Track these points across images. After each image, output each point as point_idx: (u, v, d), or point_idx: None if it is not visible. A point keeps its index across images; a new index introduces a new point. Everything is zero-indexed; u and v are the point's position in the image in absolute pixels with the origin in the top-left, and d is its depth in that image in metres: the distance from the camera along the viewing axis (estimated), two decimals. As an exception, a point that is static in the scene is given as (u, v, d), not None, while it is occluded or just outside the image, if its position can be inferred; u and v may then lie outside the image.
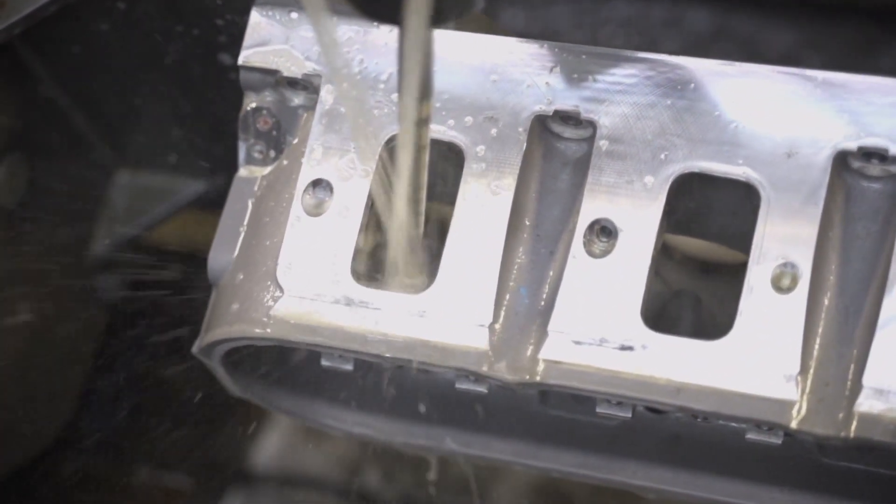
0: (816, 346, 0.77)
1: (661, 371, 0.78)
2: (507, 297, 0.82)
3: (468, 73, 0.86)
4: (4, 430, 1.15)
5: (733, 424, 0.86)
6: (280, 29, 0.90)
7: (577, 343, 0.80)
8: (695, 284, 0.93)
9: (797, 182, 0.78)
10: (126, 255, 1.21)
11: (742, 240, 0.80)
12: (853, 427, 0.75)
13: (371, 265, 0.86)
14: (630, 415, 0.85)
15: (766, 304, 0.77)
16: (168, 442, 1.17)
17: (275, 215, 0.88)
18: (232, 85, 0.93)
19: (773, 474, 0.88)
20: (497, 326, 0.82)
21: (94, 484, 1.22)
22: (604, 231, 0.81)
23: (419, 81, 0.73)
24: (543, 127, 0.84)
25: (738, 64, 0.82)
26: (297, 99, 0.90)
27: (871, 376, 0.75)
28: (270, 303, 0.85)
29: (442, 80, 0.85)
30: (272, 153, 0.91)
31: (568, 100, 0.83)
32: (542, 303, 0.82)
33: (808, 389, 0.76)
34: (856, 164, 0.79)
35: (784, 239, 0.78)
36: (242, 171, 0.92)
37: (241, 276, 0.87)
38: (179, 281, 1.06)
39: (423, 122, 0.76)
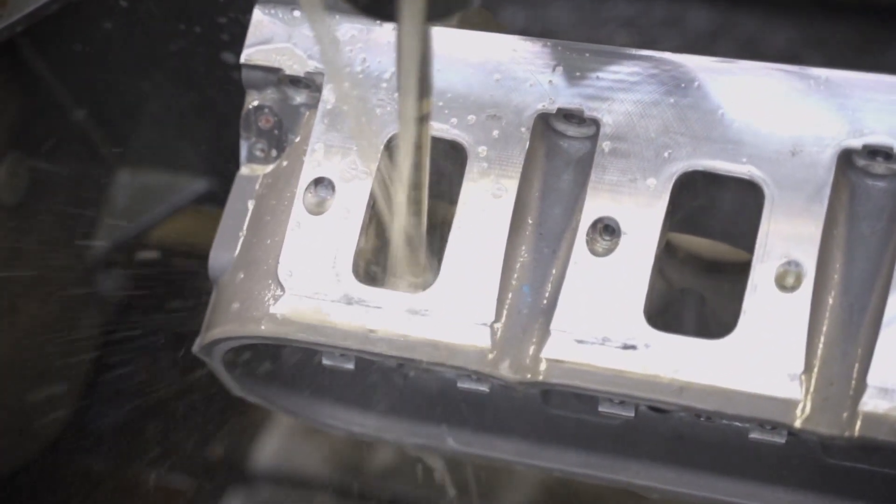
0: (821, 345, 0.77)
1: (664, 370, 0.78)
2: (510, 295, 0.82)
3: (471, 71, 0.85)
4: (4, 429, 1.15)
5: (737, 424, 0.86)
6: (282, 27, 0.89)
7: (580, 342, 0.80)
8: (698, 283, 0.93)
9: (801, 180, 0.78)
10: (127, 254, 1.21)
11: (746, 238, 0.80)
12: (858, 426, 0.74)
13: (373, 264, 0.86)
14: (633, 414, 0.85)
15: (770, 302, 0.77)
16: (168, 441, 1.17)
17: (276, 214, 0.87)
18: (234, 83, 0.93)
19: (776, 474, 0.88)
20: (499, 325, 0.81)
21: (94, 483, 1.22)
22: (607, 229, 0.81)
23: (417, 78, 0.73)
24: (546, 125, 0.84)
25: (742, 62, 0.81)
26: (300, 97, 0.90)
27: (876, 375, 0.75)
28: (271, 302, 0.85)
29: (445, 78, 0.85)
30: (274, 152, 0.91)
31: (571, 98, 0.83)
32: (545, 301, 0.82)
33: (812, 389, 0.76)
34: (860, 162, 0.79)
35: (788, 237, 0.78)
36: (244, 170, 0.91)
37: (242, 275, 0.87)
38: (180, 280, 1.05)
39: (423, 120, 0.76)
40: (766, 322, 0.77)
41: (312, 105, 0.90)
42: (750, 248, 0.79)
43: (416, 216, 0.81)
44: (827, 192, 0.78)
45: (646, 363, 0.78)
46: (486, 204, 0.83)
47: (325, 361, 0.91)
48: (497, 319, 0.81)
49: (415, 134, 0.76)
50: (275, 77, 0.89)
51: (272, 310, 0.84)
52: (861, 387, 0.75)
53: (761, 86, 0.80)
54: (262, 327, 0.84)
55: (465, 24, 0.88)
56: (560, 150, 0.85)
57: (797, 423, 0.75)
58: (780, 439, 0.82)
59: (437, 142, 0.84)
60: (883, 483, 0.86)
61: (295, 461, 1.28)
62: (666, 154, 0.81)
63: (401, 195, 0.80)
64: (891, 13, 0.90)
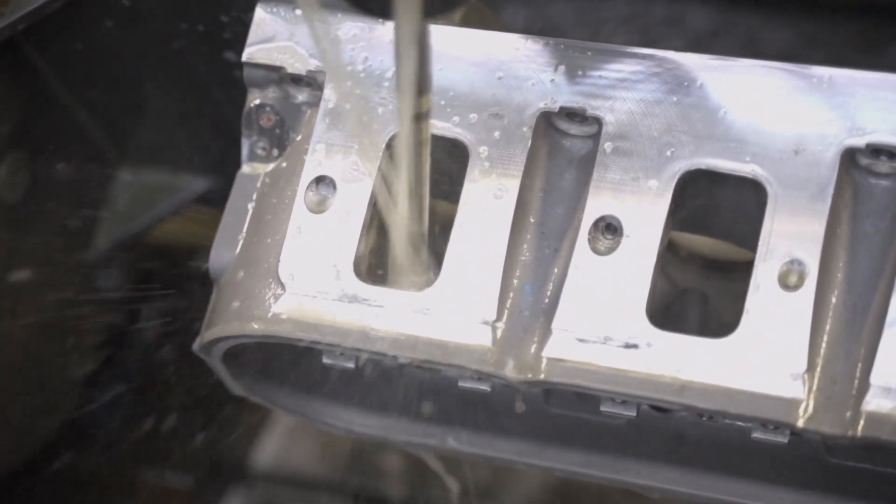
0: (824, 344, 0.77)
1: (666, 369, 0.78)
2: (511, 294, 0.82)
3: (473, 69, 0.85)
4: (4, 428, 1.14)
5: (739, 424, 0.85)
6: (284, 25, 0.89)
7: (582, 341, 0.79)
8: (701, 282, 0.92)
9: (805, 179, 0.78)
10: (128, 253, 1.21)
11: (748, 237, 0.80)
12: (861, 426, 0.74)
13: (374, 262, 0.86)
14: (635, 414, 0.84)
15: (773, 301, 0.77)
16: (168, 441, 1.17)
17: (277, 212, 0.87)
18: (236, 82, 0.93)
19: (779, 474, 0.88)
20: (501, 324, 0.81)
21: (94, 483, 1.22)
22: (609, 228, 0.81)
23: (415, 75, 0.73)
24: (549, 124, 0.84)
25: (744, 60, 0.81)
26: (301, 96, 0.90)
27: (880, 374, 0.75)
28: (272, 300, 0.85)
29: (447, 76, 0.85)
30: (275, 151, 0.91)
31: (573, 96, 0.83)
32: (547, 300, 0.81)
33: (815, 388, 0.76)
34: (864, 160, 0.79)
35: (791, 236, 0.77)
36: (245, 168, 0.91)
37: (242, 274, 0.86)
38: (181, 279, 1.05)
39: (422, 117, 0.76)
40: (769, 321, 0.77)
41: (314, 103, 0.89)
42: (753, 247, 0.79)
43: (418, 214, 0.81)
44: (830, 190, 0.77)
45: (648, 362, 0.78)
46: (487, 203, 0.83)
47: (326, 360, 0.91)
48: (498, 318, 0.81)
49: (414, 131, 0.76)
50: (276, 75, 0.89)
51: (273, 308, 0.84)
52: (864, 386, 0.75)
53: (764, 84, 0.80)
54: (263, 326, 0.84)
55: (467, 23, 0.88)
56: (562, 149, 0.84)
57: (800, 423, 0.75)
58: (783, 439, 0.82)
59: (439, 140, 0.84)
60: (886, 483, 0.86)
61: (295, 461, 1.28)
62: (669, 153, 0.81)
63: (402, 193, 0.80)
64: (891, 13, 0.90)
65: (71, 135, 1.15)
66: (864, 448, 0.84)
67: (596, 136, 0.83)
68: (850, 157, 0.79)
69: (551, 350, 0.80)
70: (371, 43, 0.87)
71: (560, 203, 0.83)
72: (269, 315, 0.84)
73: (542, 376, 0.80)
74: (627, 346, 0.78)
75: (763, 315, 0.77)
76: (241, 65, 0.90)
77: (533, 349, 0.80)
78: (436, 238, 0.85)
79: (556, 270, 0.82)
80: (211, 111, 1.13)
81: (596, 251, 0.80)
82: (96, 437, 1.20)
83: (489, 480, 1.20)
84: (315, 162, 0.86)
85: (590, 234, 0.81)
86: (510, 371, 0.80)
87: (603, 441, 0.91)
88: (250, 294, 0.86)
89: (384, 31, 0.87)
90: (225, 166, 0.97)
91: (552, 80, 0.83)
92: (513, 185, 0.83)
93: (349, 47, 0.87)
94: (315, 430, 0.99)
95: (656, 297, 0.80)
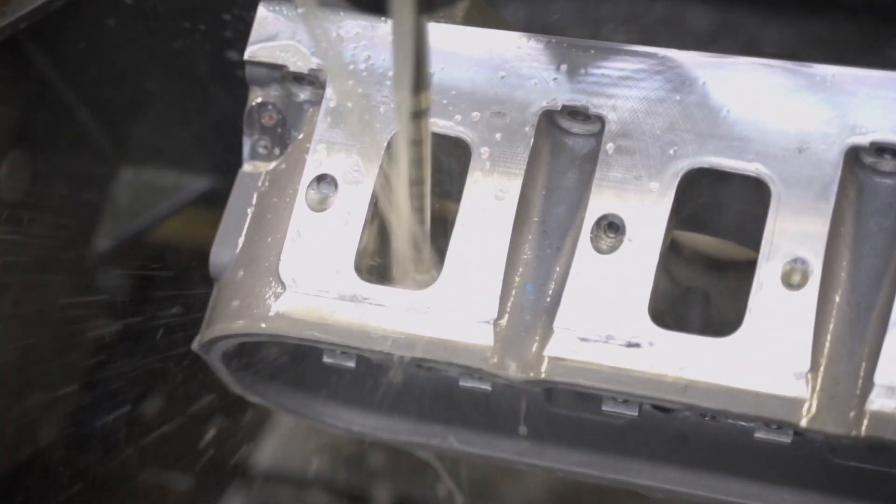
0: (827, 344, 0.76)
1: (668, 368, 0.77)
2: (513, 293, 0.82)
3: (475, 68, 0.85)
4: (4, 429, 1.14)
5: (742, 424, 0.85)
6: (287, 24, 0.89)
7: (584, 340, 0.79)
8: (704, 282, 0.92)
9: (808, 177, 0.78)
10: (129, 252, 1.20)
11: (752, 236, 0.79)
12: (864, 425, 0.74)
13: (375, 261, 0.86)
14: (637, 413, 0.84)
15: (776, 300, 0.76)
16: (168, 440, 1.17)
17: (278, 211, 0.87)
18: (238, 81, 0.93)
19: (781, 474, 0.87)
20: (502, 323, 0.81)
21: (94, 482, 1.21)
22: (611, 227, 0.81)
23: (412, 71, 0.72)
24: (551, 122, 0.84)
25: (748, 59, 0.81)
26: (303, 94, 0.90)
27: (883, 374, 0.74)
28: (272, 299, 0.84)
29: (449, 75, 0.85)
30: (277, 150, 0.91)
31: (576, 95, 0.82)
32: (548, 299, 0.81)
33: (818, 387, 0.75)
34: (868, 159, 0.79)
35: (795, 235, 0.77)
36: (247, 167, 0.91)
37: (242, 273, 0.86)
38: (181, 278, 1.05)
39: (421, 114, 0.75)
40: (772, 320, 0.76)
41: (316, 102, 0.89)
42: (756, 246, 0.78)
43: (419, 212, 0.81)
44: (834, 189, 0.77)
45: (650, 361, 0.77)
46: (489, 201, 0.82)
47: (326, 359, 0.91)
48: (500, 317, 0.81)
49: (413, 129, 0.76)
50: (278, 74, 0.89)
51: (273, 307, 0.84)
52: (868, 385, 0.75)
53: (768, 83, 0.80)
54: (263, 325, 0.84)
55: (469, 21, 0.88)
56: (565, 148, 0.84)
57: (803, 423, 0.75)
58: (786, 439, 0.82)
59: (441, 139, 0.84)
60: (889, 483, 0.85)
61: (295, 461, 1.28)
62: (671, 151, 0.80)
63: (403, 191, 0.80)
64: (891, 12, 0.90)
65: (72, 134, 1.15)
66: (868, 448, 0.84)
67: (598, 135, 0.82)
68: (853, 156, 0.78)
69: (553, 349, 0.79)
70: (373, 42, 0.87)
71: (562, 201, 0.83)
72: (270, 314, 0.84)
73: (543, 375, 0.79)
74: (629, 345, 0.78)
75: (766, 314, 0.76)
76: (242, 64, 0.90)
77: (534, 348, 0.80)
78: (438, 237, 0.85)
79: (557, 269, 0.82)
80: (213, 110, 1.13)
81: (598, 250, 0.80)
82: (96, 437, 1.20)
83: (490, 480, 1.20)
84: (316, 160, 0.86)
85: (592, 232, 0.80)
86: (511, 370, 0.80)
87: (605, 441, 0.91)
88: (250, 293, 0.85)
89: (386, 29, 0.87)
90: (226, 166, 0.96)
91: (555, 79, 0.83)
92: (515, 184, 0.82)
93: (351, 46, 0.87)
94: (315, 430, 0.98)
95: (659, 296, 0.80)
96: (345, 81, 0.86)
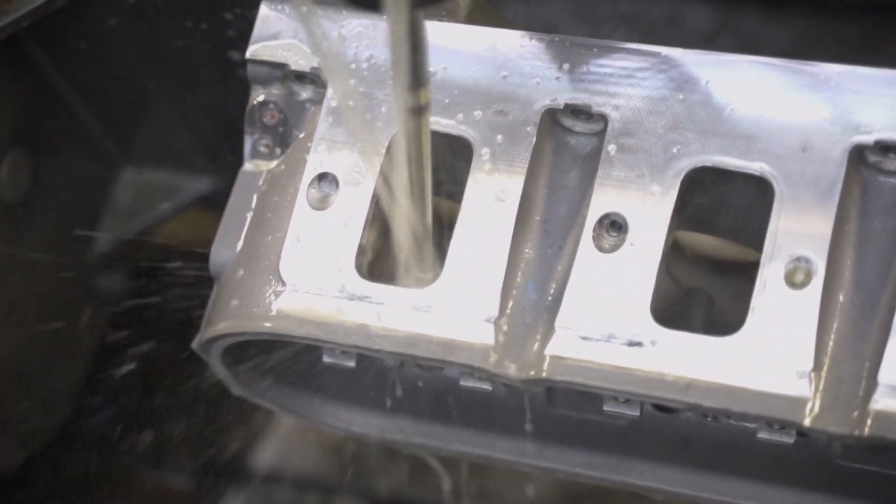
0: (831, 343, 0.76)
1: (670, 367, 0.77)
2: (514, 292, 0.81)
3: (478, 66, 0.85)
4: (3, 428, 1.14)
5: (744, 425, 0.85)
6: (289, 22, 0.89)
7: (585, 339, 0.79)
8: (706, 283, 0.92)
9: (812, 176, 0.77)
10: (129, 253, 1.20)
11: (755, 236, 0.79)
12: (868, 425, 0.73)
13: (376, 260, 0.85)
14: (638, 413, 0.84)
15: (779, 299, 0.76)
16: (168, 441, 1.16)
17: (279, 210, 0.87)
18: (240, 82, 0.93)
19: (784, 476, 0.87)
20: (503, 322, 0.80)
21: (94, 483, 1.21)
22: (613, 225, 0.80)
23: (409, 68, 0.72)
24: (554, 121, 0.83)
25: (751, 57, 0.80)
26: (305, 93, 0.90)
27: (887, 373, 0.74)
28: (272, 297, 0.84)
29: (451, 74, 0.85)
30: (278, 150, 0.91)
31: (578, 94, 0.82)
32: (550, 298, 0.81)
33: (821, 387, 0.75)
34: (872, 158, 0.78)
35: (798, 234, 0.77)
36: (248, 166, 0.91)
37: (242, 272, 0.86)
38: (182, 279, 1.05)
39: (420, 111, 0.75)
40: (775, 319, 0.76)
41: (318, 101, 0.89)
42: (759, 247, 0.78)
43: (421, 210, 0.81)
44: (838, 188, 0.77)
45: (652, 360, 0.77)
46: (490, 200, 0.82)
47: (326, 359, 0.90)
48: (501, 316, 0.80)
49: (413, 125, 0.76)
50: (280, 72, 0.89)
51: (273, 306, 0.84)
52: (872, 385, 0.74)
53: (771, 81, 0.80)
54: (262, 323, 0.84)
55: (472, 20, 0.87)
56: (567, 147, 0.84)
57: (806, 422, 0.74)
58: (789, 439, 0.81)
59: (443, 137, 0.84)
60: (892, 485, 0.85)
61: (295, 461, 1.28)
62: (675, 150, 0.80)
63: (403, 189, 0.79)
64: (891, 11, 0.89)
65: (73, 134, 1.15)
66: (871, 450, 0.84)
67: (601, 134, 0.82)
68: (858, 155, 0.78)
69: (554, 348, 0.79)
70: (375, 40, 0.87)
71: (564, 200, 0.83)
72: (269, 312, 0.83)
73: (544, 374, 0.79)
74: (631, 343, 0.78)
75: (769, 313, 0.76)
76: (244, 64, 0.90)
77: (536, 347, 0.80)
78: (439, 236, 0.84)
79: (559, 268, 0.81)
80: (214, 111, 1.13)
81: (600, 248, 0.80)
82: (96, 439, 1.19)
83: (490, 480, 1.20)
84: (318, 159, 0.86)
85: (594, 231, 0.80)
86: (512, 369, 0.79)
87: (606, 442, 0.91)
88: (250, 292, 0.85)
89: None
90: (228, 167, 0.96)
91: (557, 78, 0.83)
92: (517, 183, 0.82)
93: (353, 45, 0.87)
94: (315, 431, 0.98)
95: (661, 296, 0.80)
96: (345, 81, 0.85)
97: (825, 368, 0.75)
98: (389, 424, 0.95)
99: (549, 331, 0.79)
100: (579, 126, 0.83)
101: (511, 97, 0.83)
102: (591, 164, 0.82)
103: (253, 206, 0.88)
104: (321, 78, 0.88)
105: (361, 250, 0.84)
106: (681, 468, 0.89)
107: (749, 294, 0.77)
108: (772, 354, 0.76)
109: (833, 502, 0.86)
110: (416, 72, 0.72)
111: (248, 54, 0.90)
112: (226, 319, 0.85)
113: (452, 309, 0.81)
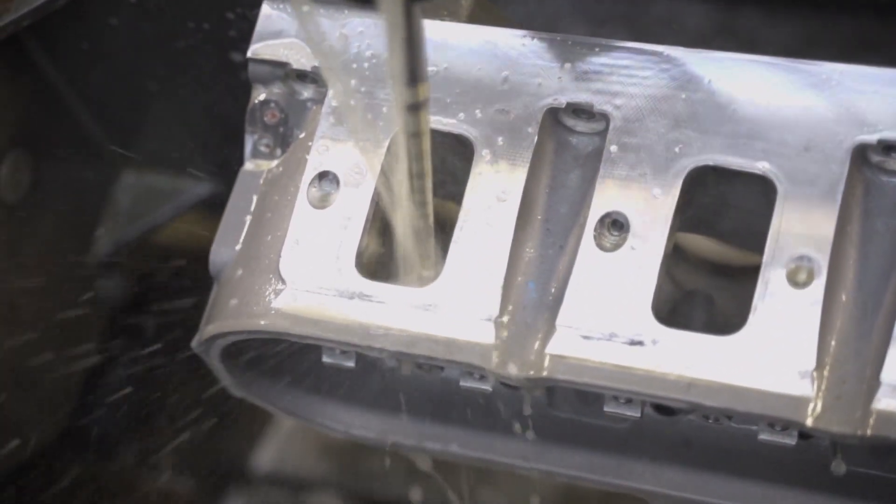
0: (833, 342, 0.75)
1: (671, 366, 0.76)
2: (515, 291, 0.81)
3: (479, 66, 0.85)
4: (3, 430, 1.13)
5: (746, 427, 0.84)
6: (290, 21, 0.89)
7: (586, 338, 0.78)
8: (707, 286, 0.91)
9: (815, 175, 0.77)
10: (130, 256, 1.20)
11: (757, 235, 0.79)
12: (870, 425, 0.73)
13: (377, 258, 0.85)
14: (639, 415, 0.83)
15: (782, 298, 0.76)
16: (169, 444, 1.16)
17: (279, 209, 0.86)
18: (242, 84, 0.92)
19: (786, 480, 0.86)
20: (504, 321, 0.80)
21: (94, 485, 1.21)
22: (615, 225, 0.80)
23: (406, 62, 0.72)
24: (555, 120, 0.83)
25: (754, 56, 0.80)
26: (307, 92, 0.90)
27: (890, 373, 0.73)
28: (272, 296, 0.84)
29: (453, 73, 0.84)
30: (278, 150, 0.90)
31: (580, 93, 0.82)
32: (551, 297, 0.80)
33: (824, 386, 0.74)
34: (875, 158, 0.78)
35: (801, 233, 0.76)
36: (248, 165, 0.91)
37: (241, 272, 0.86)
38: (182, 282, 1.04)
39: (419, 106, 0.74)
40: (777, 318, 0.75)
41: (319, 100, 0.89)
42: (761, 246, 0.77)
43: (422, 207, 0.80)
44: (841, 187, 0.76)
45: (653, 359, 0.77)
46: (492, 199, 0.82)
47: (326, 359, 0.90)
48: (502, 315, 0.80)
49: (412, 121, 0.75)
50: (282, 71, 0.89)
51: (272, 304, 0.83)
52: (874, 385, 0.74)
53: (774, 80, 0.79)
54: (262, 321, 0.83)
55: (474, 19, 0.87)
56: (569, 146, 0.84)
57: (808, 422, 0.74)
58: (791, 441, 0.81)
59: (445, 136, 0.83)
60: (893, 489, 0.84)
61: (295, 463, 1.27)
62: (676, 149, 0.80)
63: (404, 185, 0.79)
64: (890, 10, 0.89)
65: (73, 136, 1.15)
66: (873, 453, 0.83)
67: (603, 133, 0.82)
68: (861, 154, 0.77)
69: (555, 347, 0.79)
70: (378, 40, 0.87)
71: (566, 200, 0.82)
72: (269, 311, 0.83)
73: (545, 373, 0.78)
74: (633, 342, 0.77)
75: (771, 312, 0.76)
76: (246, 66, 0.90)
77: (536, 346, 0.79)
78: (441, 235, 0.84)
79: (560, 267, 0.81)
80: (215, 114, 1.12)
81: (601, 247, 0.79)
82: (96, 440, 1.19)
83: (488, 482, 1.19)
84: (318, 158, 0.85)
85: (596, 230, 0.80)
86: (513, 368, 0.79)
87: (607, 445, 0.90)
88: (250, 290, 0.85)
89: (389, 25, 0.86)
90: (228, 170, 0.96)
91: (559, 77, 0.83)
92: (518, 182, 0.82)
93: (355, 44, 0.87)
94: (315, 433, 0.98)
95: (662, 298, 0.79)
96: (346, 80, 0.85)
97: (827, 368, 0.75)
98: (388, 427, 0.94)
99: (550, 330, 0.79)
100: (581, 126, 0.83)
101: (513, 96, 0.83)
102: (592, 163, 0.82)
103: (253, 205, 0.88)
104: (322, 77, 0.87)
105: (362, 249, 0.83)
106: (682, 471, 0.88)
107: (750, 297, 0.77)
108: (774, 354, 0.75)
109: None
110: (414, 67, 0.72)
111: (249, 53, 0.89)
112: (225, 318, 0.85)
113: (453, 308, 0.81)
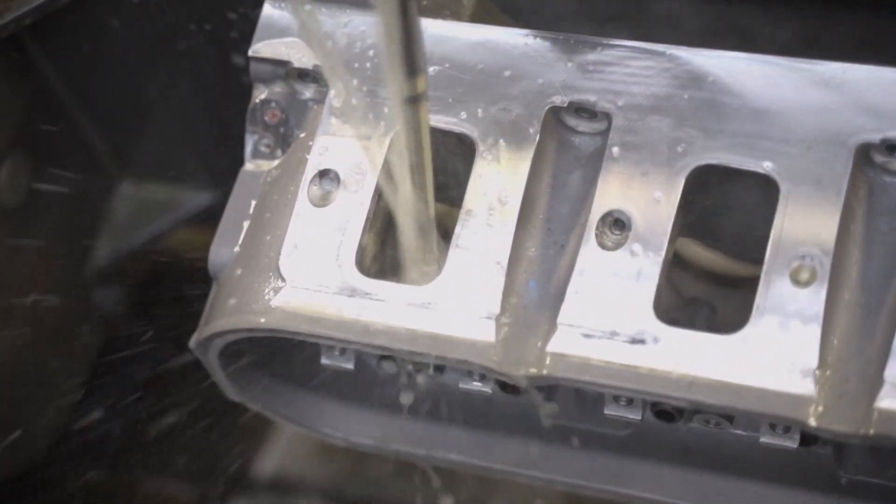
0: (836, 341, 0.75)
1: (673, 365, 0.76)
2: (516, 289, 0.80)
3: (481, 65, 0.84)
4: (3, 433, 1.12)
5: (746, 434, 0.84)
6: (292, 20, 0.89)
7: (587, 336, 0.78)
8: (709, 296, 0.91)
9: (818, 175, 0.77)
10: (127, 266, 1.19)
11: (759, 239, 0.78)
12: (873, 424, 0.72)
13: (377, 257, 0.85)
14: (640, 417, 0.83)
15: (784, 297, 0.75)
16: (170, 451, 1.15)
17: (279, 208, 0.86)
18: (242, 90, 0.92)
19: (787, 488, 0.86)
20: (504, 319, 0.79)
21: (94, 490, 1.20)
22: (617, 224, 0.79)
23: (402, 54, 0.71)
24: (557, 120, 0.83)
25: (757, 56, 0.80)
26: (308, 92, 0.89)
27: (893, 372, 0.73)
28: (271, 294, 0.83)
29: (455, 71, 0.84)
30: (279, 151, 0.90)
31: (583, 92, 0.82)
32: (552, 296, 0.80)
33: (826, 385, 0.74)
34: (879, 157, 0.78)
35: (804, 232, 0.76)
36: (248, 165, 0.90)
37: (240, 271, 0.85)
38: (180, 291, 1.04)
39: (417, 99, 0.74)
40: (780, 317, 0.75)
41: (320, 100, 0.88)
42: (764, 246, 0.77)
43: (423, 202, 0.80)
44: (844, 187, 0.76)
45: (655, 358, 0.76)
46: (493, 198, 0.81)
47: (324, 360, 0.89)
48: (502, 313, 0.79)
49: (410, 114, 0.75)
50: (283, 70, 0.88)
51: (272, 302, 0.83)
52: (877, 383, 0.73)
53: (777, 80, 0.79)
54: (261, 319, 0.83)
55: (476, 19, 0.87)
56: (571, 146, 0.83)
57: (811, 421, 0.73)
58: (792, 443, 0.80)
59: (446, 135, 0.83)
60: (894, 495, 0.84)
61: (296, 469, 1.26)
62: (679, 148, 0.79)
63: (405, 181, 0.79)
64: (890, 9, 0.89)
65: (73, 144, 1.14)
66: (876, 459, 0.83)
67: (605, 133, 0.81)
68: (864, 154, 0.77)
69: (556, 345, 0.78)
70: (379, 39, 0.86)
71: (567, 199, 0.82)
72: (269, 308, 0.83)
73: (545, 372, 0.78)
74: (634, 341, 0.77)
75: (774, 311, 0.75)
76: (247, 70, 0.89)
77: (538, 344, 0.79)
78: (442, 234, 0.83)
79: (561, 266, 0.81)
80: (216, 122, 1.12)
81: (603, 246, 0.79)
82: (96, 444, 1.18)
83: (487, 486, 1.18)
84: (319, 156, 0.85)
85: (597, 229, 0.79)
86: (514, 366, 0.78)
87: (607, 453, 0.89)
88: (249, 289, 0.84)
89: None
90: (228, 181, 0.96)
91: (561, 76, 0.82)
92: (519, 181, 0.81)
93: (357, 43, 0.87)
94: (316, 438, 0.97)
95: (663, 307, 0.79)
96: (348, 80, 0.85)
97: (830, 367, 0.74)
98: (387, 435, 0.94)
99: (551, 328, 0.78)
100: (583, 125, 0.83)
101: (514, 95, 0.83)
102: (594, 162, 0.82)
103: (253, 205, 0.88)
104: (323, 76, 0.87)
105: (362, 247, 0.83)
106: (682, 478, 0.88)
107: (752, 302, 0.76)
108: (776, 352, 0.75)
109: None
110: (411, 59, 0.71)
111: (250, 52, 0.89)
112: (223, 317, 0.84)
113: (454, 306, 0.80)
